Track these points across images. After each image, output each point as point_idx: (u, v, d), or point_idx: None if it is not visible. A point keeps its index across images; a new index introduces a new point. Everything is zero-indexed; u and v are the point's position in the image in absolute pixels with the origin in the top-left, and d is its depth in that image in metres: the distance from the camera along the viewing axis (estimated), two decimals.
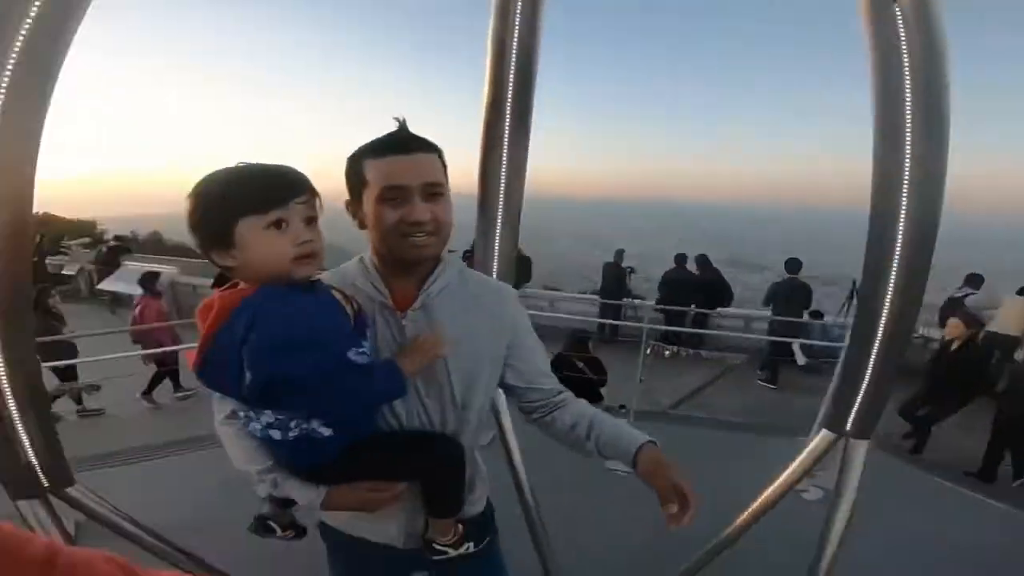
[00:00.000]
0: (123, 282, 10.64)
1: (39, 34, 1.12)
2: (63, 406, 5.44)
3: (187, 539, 1.81)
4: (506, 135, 1.75)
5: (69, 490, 1.41)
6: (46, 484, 1.36)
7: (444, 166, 1.12)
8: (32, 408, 1.33)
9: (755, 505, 1.92)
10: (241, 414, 1.02)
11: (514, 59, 1.67)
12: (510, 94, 1.70)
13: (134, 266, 11.38)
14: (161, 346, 5.71)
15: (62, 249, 12.83)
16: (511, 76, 1.68)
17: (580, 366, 4.94)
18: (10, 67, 1.11)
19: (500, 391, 1.30)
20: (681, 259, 8.60)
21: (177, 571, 0.58)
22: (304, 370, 0.87)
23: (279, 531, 1.09)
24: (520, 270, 8.85)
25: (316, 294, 0.97)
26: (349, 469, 1.06)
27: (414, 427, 1.15)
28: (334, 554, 1.34)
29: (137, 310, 6.07)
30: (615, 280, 9.14)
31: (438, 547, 1.19)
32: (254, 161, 0.94)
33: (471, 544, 1.23)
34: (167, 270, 10.69)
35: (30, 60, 1.12)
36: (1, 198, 1.17)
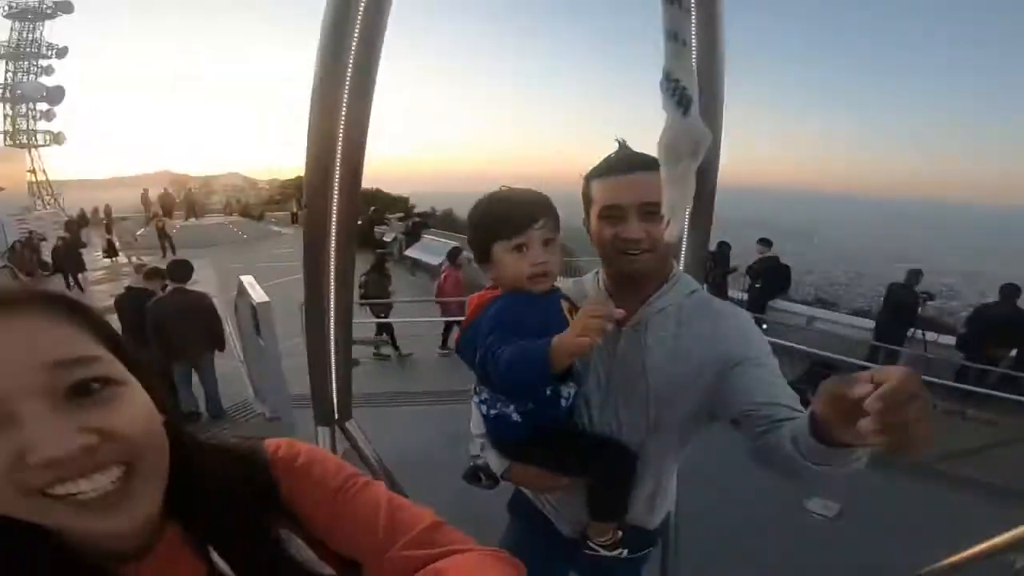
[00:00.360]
0: (423, 251, 13.22)
1: (363, 45, 1.39)
2: (360, 351, 6.96)
3: (415, 477, 1.97)
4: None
5: (347, 423, 1.73)
6: (336, 416, 1.68)
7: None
8: (343, 350, 1.67)
9: None
10: (474, 388, 1.26)
11: None
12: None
13: (431, 238, 14.01)
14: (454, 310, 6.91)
15: (385, 220, 16.24)
16: None
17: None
18: (349, 73, 1.41)
19: None
20: (1011, 291, 6.09)
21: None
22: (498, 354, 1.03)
23: (483, 479, 1.32)
24: (775, 277, 8.06)
25: (544, 302, 1.11)
26: (530, 452, 1.22)
27: (605, 430, 1.23)
28: (513, 521, 1.48)
29: (442, 277, 7.43)
30: (900, 308, 6.94)
31: (592, 544, 1.26)
32: (511, 187, 1.15)
33: (625, 551, 1.27)
34: (455, 245, 12.85)
35: (358, 68, 1.41)
36: (342, 177, 1.49)
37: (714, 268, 8.47)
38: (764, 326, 7.71)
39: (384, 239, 14.44)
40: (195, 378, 4.97)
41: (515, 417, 1.18)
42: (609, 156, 1.19)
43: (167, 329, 4.48)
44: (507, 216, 1.09)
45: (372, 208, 16.68)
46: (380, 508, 0.65)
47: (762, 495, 3.38)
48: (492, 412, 1.21)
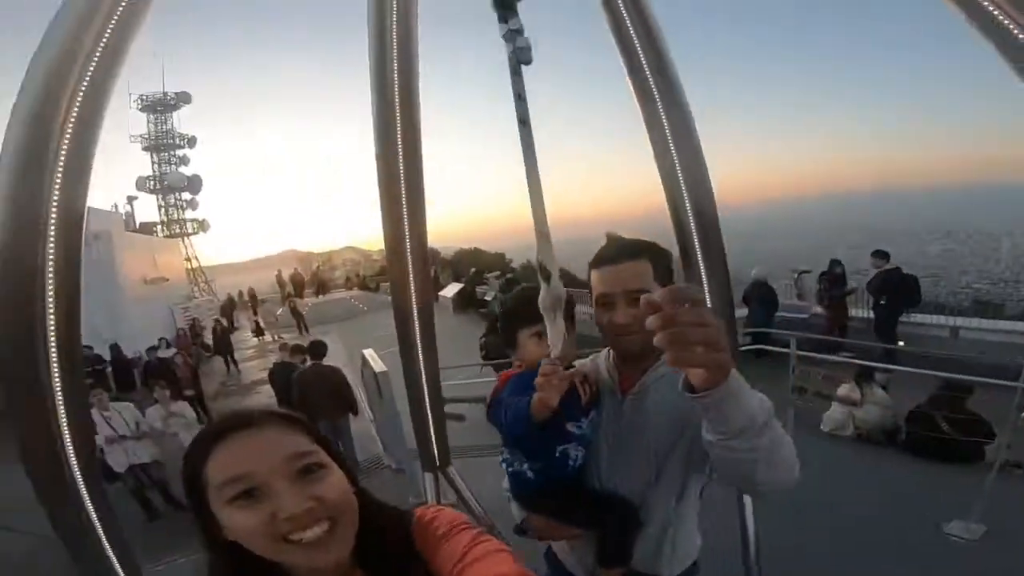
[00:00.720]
0: None
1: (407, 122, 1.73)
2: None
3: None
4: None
5: (448, 469, 2.21)
6: (437, 463, 2.18)
7: (661, 265, 1.30)
8: (436, 406, 2.09)
9: None
10: (500, 449, 1.47)
11: None
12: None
13: None
14: None
15: (484, 280, 17.15)
16: None
17: (944, 427, 3.97)
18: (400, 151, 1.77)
19: None
20: None
21: None
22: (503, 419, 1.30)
23: (528, 532, 1.47)
24: (900, 290, 7.30)
25: (525, 422, 1.25)
26: (542, 505, 1.41)
27: (612, 485, 1.38)
28: (547, 568, 1.61)
29: None
30: None
31: None
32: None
33: None
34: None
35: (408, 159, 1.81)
36: (412, 251, 1.86)
37: (829, 290, 8.14)
38: (901, 343, 7.28)
39: (485, 298, 15.23)
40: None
41: (529, 474, 1.38)
42: (602, 247, 1.35)
43: (309, 397, 5.50)
44: (529, 309, 1.25)
45: (472, 270, 17.77)
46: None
47: (897, 519, 3.43)
48: (511, 469, 1.43)
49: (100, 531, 1.28)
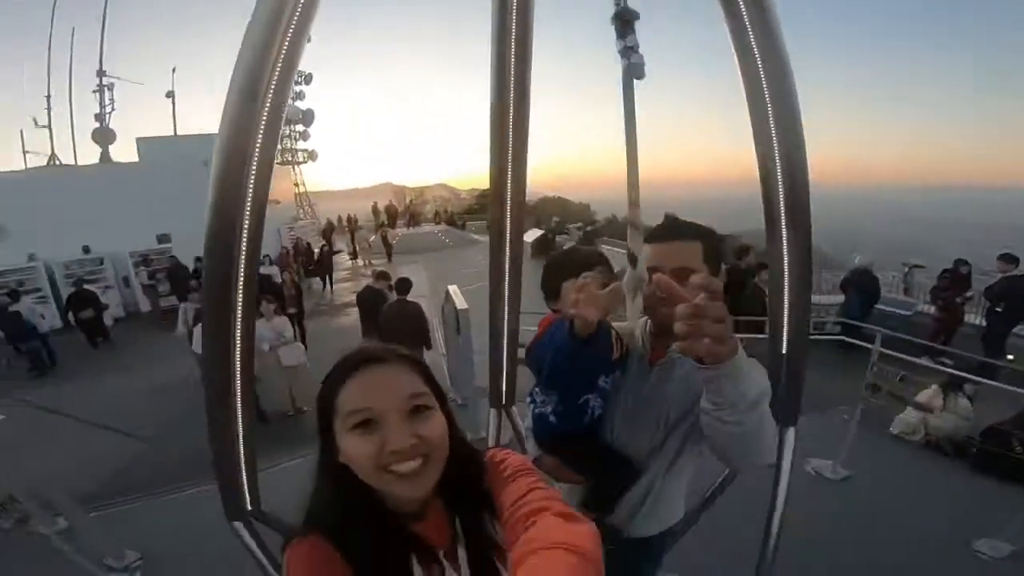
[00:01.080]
0: None
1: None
2: None
3: None
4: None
5: (512, 408, 2.39)
6: (504, 401, 2.38)
7: (710, 247, 1.38)
8: (511, 346, 2.18)
9: None
10: (529, 392, 1.62)
11: None
12: None
13: (606, 247, 14.63)
14: None
15: (566, 230, 17.18)
16: None
17: (1019, 450, 3.78)
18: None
19: None
20: None
21: None
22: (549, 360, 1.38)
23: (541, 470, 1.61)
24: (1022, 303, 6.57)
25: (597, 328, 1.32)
26: (558, 448, 1.54)
27: (619, 443, 1.50)
28: None
29: None
30: None
31: None
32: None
33: None
34: (621, 253, 13.37)
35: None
36: (512, 194, 1.81)
37: (947, 289, 7.52)
38: (1010, 357, 6.75)
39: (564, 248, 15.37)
40: None
41: (552, 418, 1.50)
42: (657, 226, 1.47)
43: (392, 329, 5.93)
44: (573, 262, 1.49)
45: (555, 219, 17.79)
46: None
47: (924, 536, 3.40)
48: (537, 410, 1.55)
49: (241, 440, 1.52)
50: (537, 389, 1.59)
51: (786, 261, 1.80)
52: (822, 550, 2.92)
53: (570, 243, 15.73)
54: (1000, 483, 3.94)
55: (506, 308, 2.12)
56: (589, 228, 17.69)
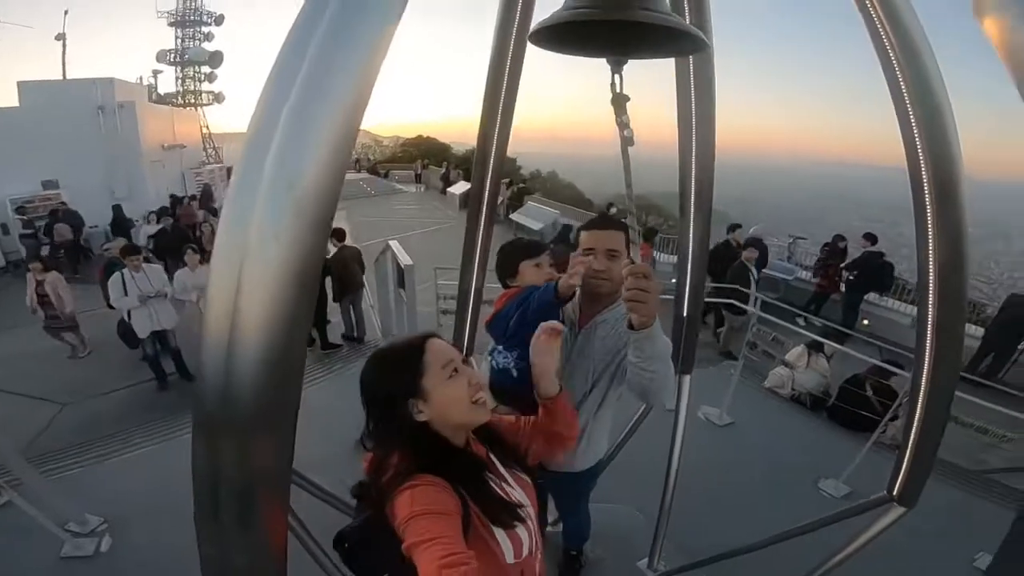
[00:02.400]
0: (526, 216, 14.50)
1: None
2: None
3: None
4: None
5: (470, 359, 2.76)
6: (464, 352, 2.79)
7: (627, 238, 1.74)
8: (477, 301, 2.65)
9: None
10: (488, 349, 2.02)
11: None
12: None
13: (534, 204, 15.14)
14: None
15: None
16: None
17: (868, 393, 4.69)
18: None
19: None
20: None
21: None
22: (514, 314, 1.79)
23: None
24: (876, 275, 7.63)
25: (553, 295, 1.70)
26: (514, 396, 1.80)
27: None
28: None
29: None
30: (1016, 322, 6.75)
31: None
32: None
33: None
34: (552, 212, 13.89)
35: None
36: (496, 154, 2.16)
37: (826, 261, 8.51)
38: (865, 322, 8.10)
39: None
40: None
41: (514, 372, 1.85)
42: (592, 219, 1.90)
43: (344, 272, 6.31)
44: (527, 248, 2.00)
45: None
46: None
47: (779, 476, 4.03)
48: (500, 366, 1.91)
49: None
50: (499, 348, 1.93)
51: (691, 244, 2.26)
52: (704, 485, 3.32)
53: (499, 198, 16.01)
54: (847, 433, 4.76)
55: (475, 271, 2.40)
56: (522, 184, 18.10)
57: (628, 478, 2.82)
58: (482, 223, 2.31)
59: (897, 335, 7.44)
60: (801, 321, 7.42)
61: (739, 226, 8.26)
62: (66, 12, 17.53)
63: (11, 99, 13.43)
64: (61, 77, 16.10)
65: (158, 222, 10.64)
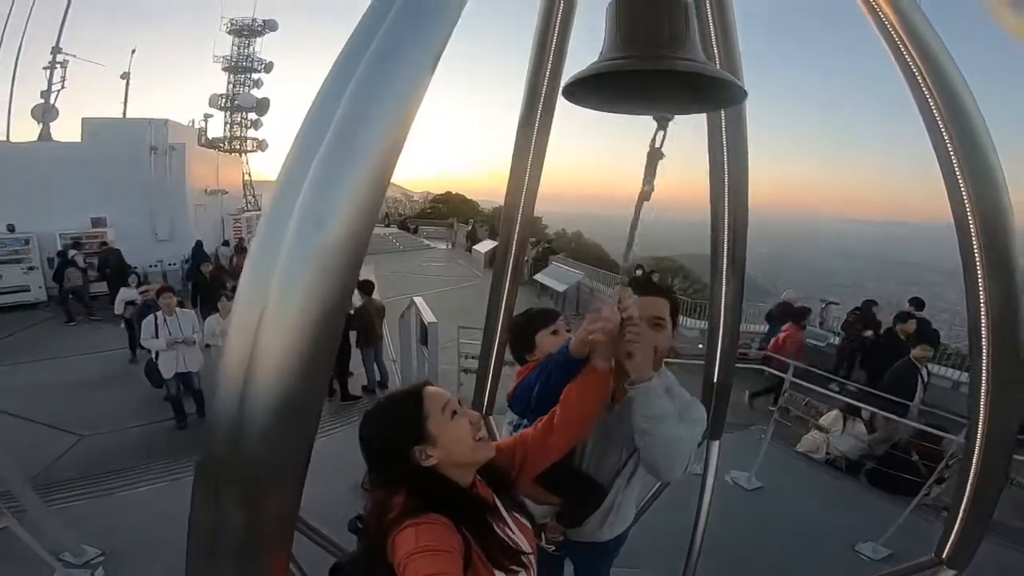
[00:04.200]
0: (550, 276, 14.29)
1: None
2: None
3: None
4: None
5: (490, 418, 2.63)
6: (485, 409, 2.68)
7: (675, 308, 1.66)
8: (499, 360, 2.59)
9: None
10: (518, 420, 1.82)
11: None
12: None
13: (559, 265, 15.08)
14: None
15: None
16: None
17: (913, 457, 4.57)
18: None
19: None
20: None
21: None
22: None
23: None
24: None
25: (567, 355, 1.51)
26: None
27: (588, 466, 1.75)
28: None
29: (782, 336, 7.60)
30: None
31: (547, 538, 1.80)
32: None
33: (552, 548, 1.83)
34: (576, 274, 13.77)
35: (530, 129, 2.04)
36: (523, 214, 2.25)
37: (854, 326, 8.39)
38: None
39: None
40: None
41: None
42: (636, 279, 1.86)
43: (365, 323, 6.48)
44: (541, 317, 1.94)
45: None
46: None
47: (815, 539, 3.89)
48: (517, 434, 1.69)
49: None
50: (524, 422, 1.77)
51: (723, 308, 2.23)
52: (732, 549, 3.27)
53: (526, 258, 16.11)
54: (883, 495, 4.59)
55: (499, 325, 2.42)
56: (547, 244, 18.31)
57: (652, 542, 2.71)
58: (507, 283, 2.35)
59: (937, 399, 7.11)
60: (835, 386, 7.16)
61: (911, 315, 7.26)
62: (133, 51, 18.40)
63: (74, 133, 14.16)
64: (122, 115, 16.81)
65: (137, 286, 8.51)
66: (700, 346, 6.68)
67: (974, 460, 1.51)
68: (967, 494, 1.54)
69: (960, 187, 1.28)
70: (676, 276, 25.30)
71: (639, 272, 12.04)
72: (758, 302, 11.28)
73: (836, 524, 4.14)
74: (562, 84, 1.22)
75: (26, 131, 16.17)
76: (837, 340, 9.00)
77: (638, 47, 1.01)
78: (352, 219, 0.66)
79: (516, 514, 1.28)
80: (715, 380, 2.29)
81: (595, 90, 1.11)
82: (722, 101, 1.22)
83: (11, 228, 11.96)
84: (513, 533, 1.22)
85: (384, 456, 1.17)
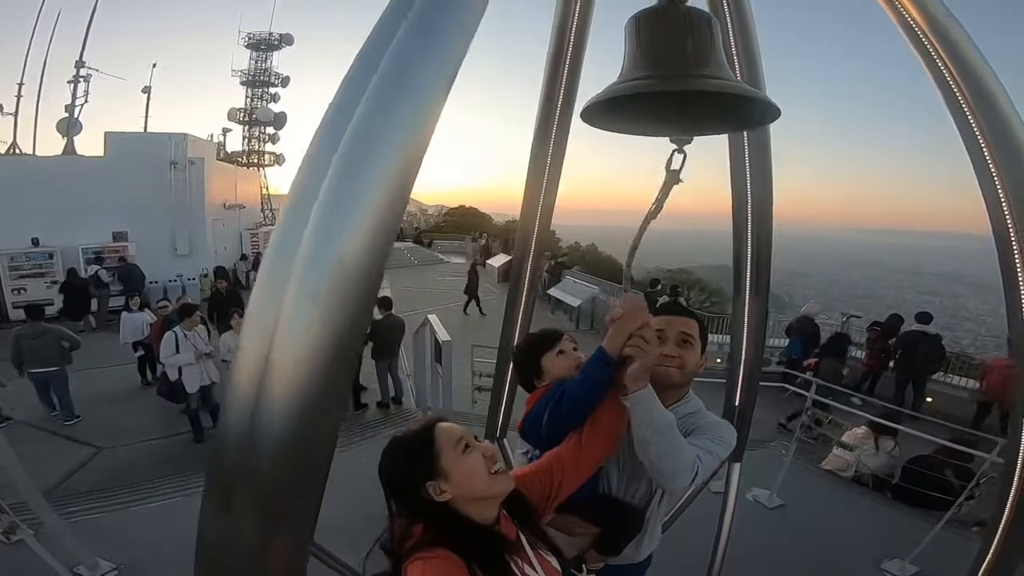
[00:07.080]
0: (563, 291, 14.19)
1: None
2: None
3: None
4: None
5: (504, 439, 2.56)
6: (498, 432, 2.61)
7: (703, 330, 1.65)
8: (512, 383, 2.51)
9: None
10: (532, 451, 1.76)
11: None
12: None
13: (572, 279, 14.95)
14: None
15: None
16: None
17: (947, 476, 4.40)
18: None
19: None
20: None
21: None
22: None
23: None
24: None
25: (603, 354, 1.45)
26: (569, 504, 1.53)
27: (621, 491, 1.70)
28: None
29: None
30: None
31: (587, 567, 1.69)
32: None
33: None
34: (591, 288, 13.64)
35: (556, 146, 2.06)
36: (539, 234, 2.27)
37: (876, 340, 8.23)
38: (929, 399, 7.66)
39: None
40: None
41: None
42: (663, 305, 1.81)
43: (384, 338, 6.48)
44: (546, 336, 1.76)
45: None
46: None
47: (841, 558, 3.79)
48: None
49: None
50: (537, 452, 1.68)
51: (746, 328, 2.19)
52: (754, 568, 3.22)
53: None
54: (909, 512, 4.47)
55: (514, 344, 2.38)
56: (560, 259, 18.20)
57: (673, 562, 2.63)
58: (522, 301, 2.33)
59: (954, 407, 7.23)
60: (857, 401, 6.99)
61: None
62: (154, 65, 18.85)
63: (97, 146, 14.39)
64: (143, 129, 17.10)
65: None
66: (719, 360, 6.53)
67: (1015, 481, 1.43)
68: (1007, 510, 1.45)
69: (1000, 197, 1.24)
70: (692, 288, 25.02)
71: (659, 287, 11.85)
72: (777, 315, 11.09)
73: (861, 541, 4.03)
74: (580, 107, 1.18)
75: (49, 144, 16.36)
76: (860, 354, 8.79)
77: (661, 66, 0.96)
78: (371, 233, 0.64)
79: (541, 552, 1.25)
80: (736, 403, 2.22)
81: (616, 113, 1.07)
82: (752, 121, 1.17)
83: (35, 242, 12.18)
84: (535, 570, 1.20)
85: (399, 492, 1.18)
